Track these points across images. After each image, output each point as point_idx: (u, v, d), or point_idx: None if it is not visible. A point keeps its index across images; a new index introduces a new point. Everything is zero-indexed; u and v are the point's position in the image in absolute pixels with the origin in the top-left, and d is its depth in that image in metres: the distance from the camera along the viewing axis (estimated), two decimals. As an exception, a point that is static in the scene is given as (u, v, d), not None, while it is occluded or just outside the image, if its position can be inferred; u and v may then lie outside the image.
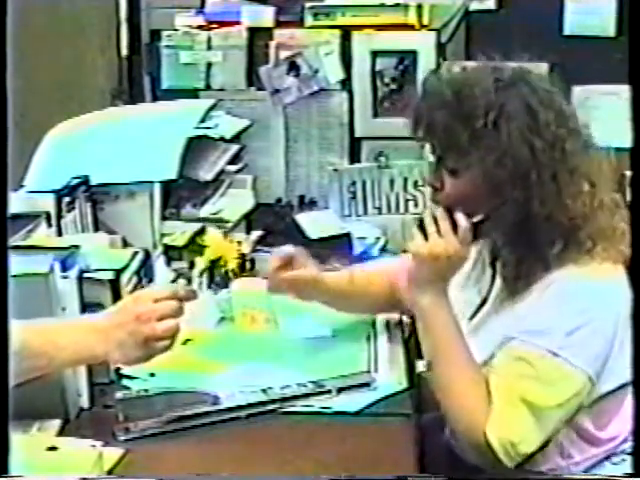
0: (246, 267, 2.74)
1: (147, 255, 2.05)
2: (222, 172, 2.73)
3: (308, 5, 3.13)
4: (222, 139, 2.74)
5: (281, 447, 1.64)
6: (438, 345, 1.72)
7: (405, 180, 3.06)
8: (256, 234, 2.93)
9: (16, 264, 1.36)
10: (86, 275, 1.78)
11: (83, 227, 2.25)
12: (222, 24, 3.18)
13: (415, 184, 3.06)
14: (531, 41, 2.94)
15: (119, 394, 1.78)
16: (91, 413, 1.76)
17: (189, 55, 3.16)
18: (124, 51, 3.36)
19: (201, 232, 2.52)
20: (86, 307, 1.74)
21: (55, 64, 3.22)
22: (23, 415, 1.44)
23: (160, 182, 2.38)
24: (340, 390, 1.81)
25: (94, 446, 1.52)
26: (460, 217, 1.70)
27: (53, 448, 1.50)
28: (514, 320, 1.69)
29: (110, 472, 1.51)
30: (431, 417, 1.90)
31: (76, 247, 1.80)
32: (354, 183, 3.13)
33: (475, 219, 1.71)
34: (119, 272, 1.85)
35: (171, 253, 2.39)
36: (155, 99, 3.21)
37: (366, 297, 2.09)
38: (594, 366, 1.64)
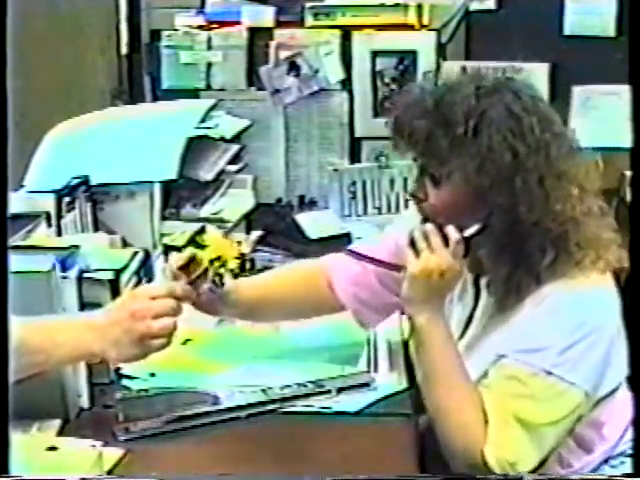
0: (246, 267, 2.74)
1: (147, 255, 2.04)
2: (222, 172, 2.73)
3: (308, 5, 3.14)
4: (222, 139, 2.74)
5: (281, 447, 1.64)
6: (434, 364, 1.67)
7: (405, 180, 3.06)
8: (256, 234, 2.94)
9: (16, 264, 1.36)
10: (86, 275, 1.78)
11: (83, 227, 2.25)
12: (222, 24, 3.18)
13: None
14: (531, 41, 2.97)
15: (119, 394, 1.78)
16: (91, 413, 1.76)
17: (189, 55, 3.16)
18: (124, 51, 3.37)
19: (201, 232, 2.52)
20: (86, 307, 1.74)
21: (55, 64, 3.22)
22: (23, 415, 1.44)
23: (160, 182, 2.38)
24: (340, 390, 1.80)
25: (94, 446, 1.52)
26: (450, 230, 1.64)
27: (53, 448, 1.50)
28: (506, 338, 1.66)
29: (110, 472, 1.51)
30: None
31: (76, 247, 1.80)
32: (354, 183, 3.13)
33: (466, 233, 1.66)
34: (119, 272, 1.85)
35: (171, 253, 2.39)
36: (155, 99, 3.21)
37: (292, 302, 2.01)
38: (591, 380, 1.62)
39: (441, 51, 3.08)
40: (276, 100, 3.15)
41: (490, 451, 1.59)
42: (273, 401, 1.77)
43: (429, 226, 1.67)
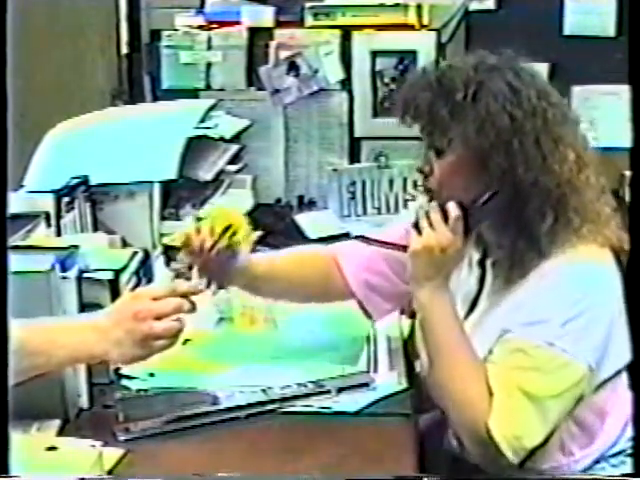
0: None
1: (146, 255, 2.04)
2: (222, 172, 2.73)
3: (308, 5, 3.14)
4: (222, 139, 2.74)
5: (281, 447, 1.64)
6: (438, 340, 1.71)
7: (405, 180, 3.06)
8: (256, 234, 2.93)
9: (16, 264, 1.36)
10: (85, 275, 1.78)
11: (82, 227, 2.24)
12: (222, 24, 3.18)
13: (415, 184, 3.06)
14: (531, 41, 2.95)
15: (119, 394, 1.78)
16: (91, 413, 1.76)
17: (189, 55, 3.16)
18: (124, 51, 3.37)
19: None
20: (85, 307, 1.74)
21: (55, 64, 3.22)
22: (23, 415, 1.44)
23: (160, 182, 2.38)
24: (340, 390, 1.81)
25: (94, 446, 1.52)
26: (450, 206, 1.68)
27: (53, 448, 1.49)
28: (510, 313, 1.69)
29: (110, 472, 1.51)
30: (431, 417, 1.90)
31: (75, 247, 1.80)
32: (354, 183, 3.13)
33: (481, 200, 1.69)
34: (118, 272, 1.85)
35: (170, 253, 2.38)
36: (155, 99, 3.21)
37: (298, 280, 2.02)
38: (593, 355, 1.65)
39: (441, 51, 3.08)
40: (276, 100, 3.15)
41: (496, 426, 1.61)
42: (273, 401, 1.77)
43: (431, 204, 1.71)
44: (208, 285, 1.80)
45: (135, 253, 1.99)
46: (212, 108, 2.80)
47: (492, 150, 1.66)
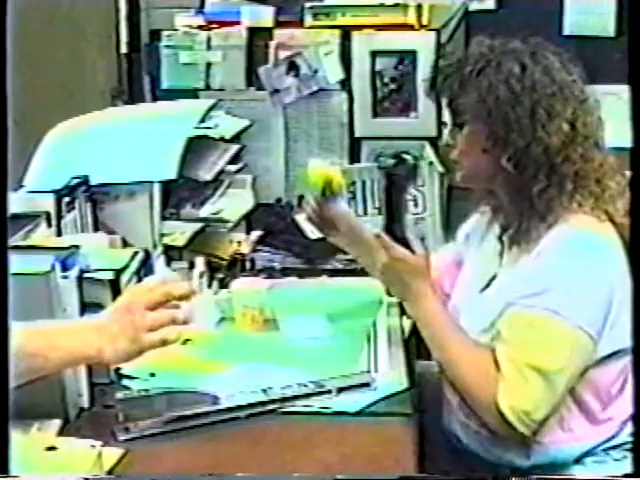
0: (246, 267, 2.75)
1: (147, 255, 2.05)
2: (222, 172, 2.73)
3: (308, 5, 3.14)
4: (222, 139, 2.74)
5: (281, 447, 1.64)
6: (432, 334, 1.81)
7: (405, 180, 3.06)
8: (256, 234, 2.94)
9: (16, 264, 1.36)
10: (86, 275, 1.78)
11: (83, 227, 2.24)
12: (222, 24, 3.18)
13: (415, 184, 3.06)
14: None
15: (119, 394, 1.78)
16: (91, 413, 1.76)
17: (189, 55, 3.17)
18: (124, 51, 3.37)
19: (201, 231, 2.52)
20: (86, 307, 1.74)
21: (55, 64, 3.22)
22: (23, 415, 1.44)
23: (160, 182, 2.37)
24: (340, 390, 1.81)
25: (94, 446, 1.52)
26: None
27: (53, 448, 1.50)
28: (515, 285, 1.74)
29: (110, 472, 1.51)
30: (431, 417, 1.90)
31: (76, 247, 1.80)
32: (354, 183, 3.13)
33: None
34: (119, 272, 1.85)
35: (171, 253, 2.39)
36: (155, 99, 3.21)
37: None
38: (595, 325, 1.68)
39: (441, 51, 3.08)
40: (275, 100, 3.15)
41: (505, 401, 1.67)
42: (273, 401, 1.77)
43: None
44: (209, 285, 1.80)
45: (136, 253, 1.99)
46: (212, 108, 2.80)
47: (491, 118, 1.74)
